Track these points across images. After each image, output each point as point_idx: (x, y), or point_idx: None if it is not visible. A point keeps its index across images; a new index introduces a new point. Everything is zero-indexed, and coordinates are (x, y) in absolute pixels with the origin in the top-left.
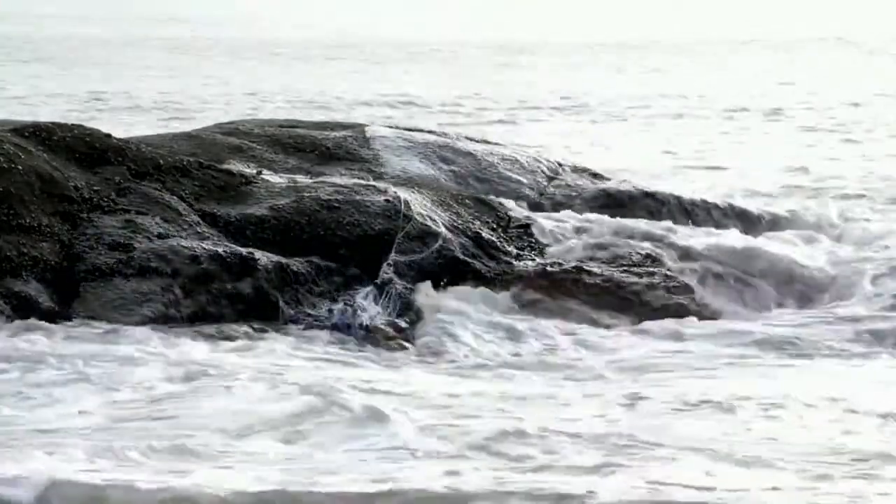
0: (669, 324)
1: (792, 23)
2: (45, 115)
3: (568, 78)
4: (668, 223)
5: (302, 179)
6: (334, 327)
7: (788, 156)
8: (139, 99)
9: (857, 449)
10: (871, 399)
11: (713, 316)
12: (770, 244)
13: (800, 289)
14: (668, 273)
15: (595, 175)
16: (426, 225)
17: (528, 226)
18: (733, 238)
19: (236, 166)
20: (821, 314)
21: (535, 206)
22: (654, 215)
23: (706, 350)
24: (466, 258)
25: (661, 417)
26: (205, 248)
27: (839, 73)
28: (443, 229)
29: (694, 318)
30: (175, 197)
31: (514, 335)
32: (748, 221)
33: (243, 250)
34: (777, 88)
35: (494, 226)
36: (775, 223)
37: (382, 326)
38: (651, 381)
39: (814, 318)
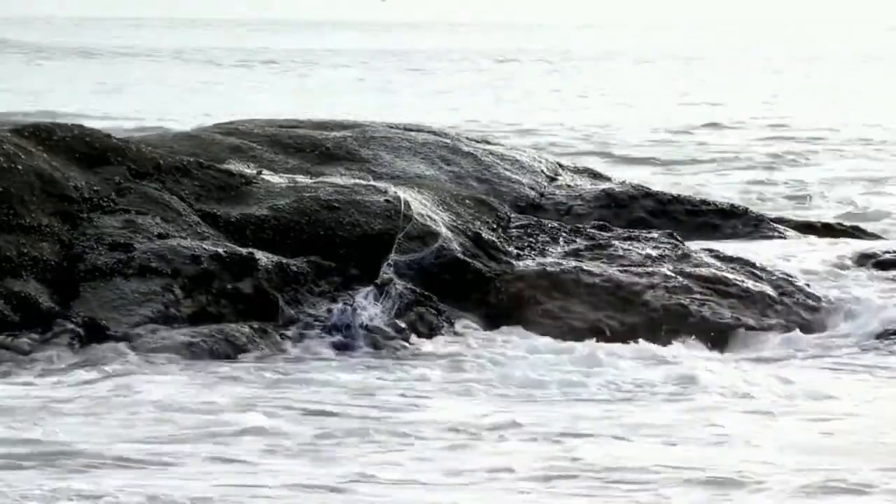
0: None
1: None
2: None
3: None
4: None
5: (302, 179)
6: (334, 327)
7: None
8: None
9: None
10: None
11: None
12: None
13: None
14: (668, 273)
15: (595, 175)
16: (426, 225)
17: (528, 226)
18: None
19: (236, 166)
20: None
21: (536, 207)
22: (654, 216)
23: None
24: (466, 258)
25: None
26: (205, 248)
27: None
28: (443, 229)
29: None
30: (175, 197)
31: None
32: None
33: (243, 250)
34: None
35: (494, 226)
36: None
37: (382, 326)
38: None
39: None
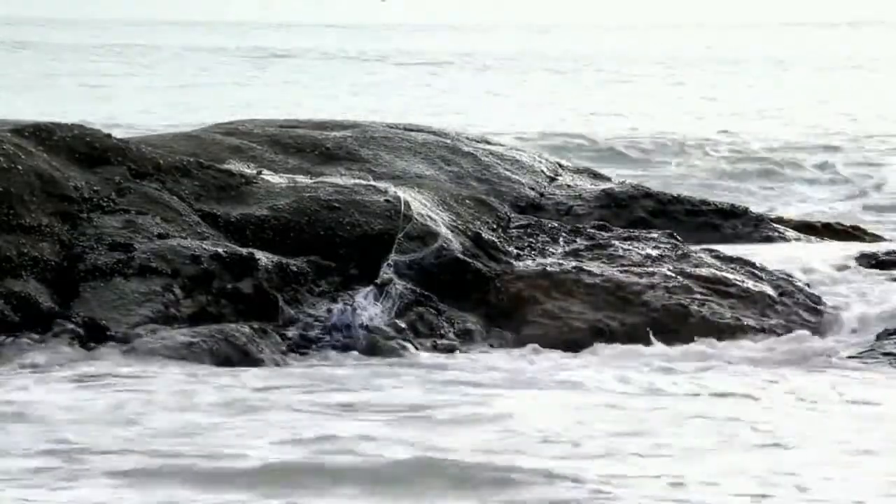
0: None
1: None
2: None
3: None
4: None
5: (302, 179)
6: (334, 327)
7: None
8: None
9: None
10: None
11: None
12: None
13: None
14: (668, 273)
15: (595, 175)
16: (426, 225)
17: (528, 226)
18: None
19: (236, 166)
20: None
21: (536, 207)
22: (654, 215)
23: None
24: (466, 258)
25: None
26: (205, 248)
27: None
28: (443, 229)
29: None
30: (175, 197)
31: None
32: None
33: (243, 250)
34: None
35: (494, 226)
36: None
37: (382, 326)
38: None
39: None
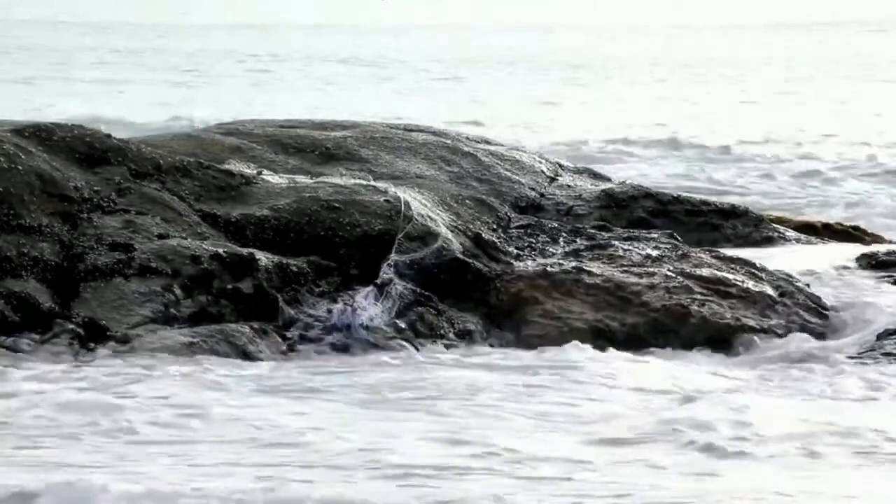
0: None
1: None
2: None
3: None
4: None
5: (302, 179)
6: (334, 327)
7: None
8: None
9: None
10: None
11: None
12: None
13: None
14: (668, 273)
15: (595, 175)
16: (426, 225)
17: (528, 226)
18: None
19: (236, 166)
20: None
21: (537, 207)
22: (654, 216)
23: None
24: (466, 258)
25: None
26: (205, 248)
27: None
28: (443, 229)
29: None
30: (175, 197)
31: None
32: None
33: (243, 250)
34: None
35: (495, 226)
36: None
37: (382, 327)
38: None
39: None
